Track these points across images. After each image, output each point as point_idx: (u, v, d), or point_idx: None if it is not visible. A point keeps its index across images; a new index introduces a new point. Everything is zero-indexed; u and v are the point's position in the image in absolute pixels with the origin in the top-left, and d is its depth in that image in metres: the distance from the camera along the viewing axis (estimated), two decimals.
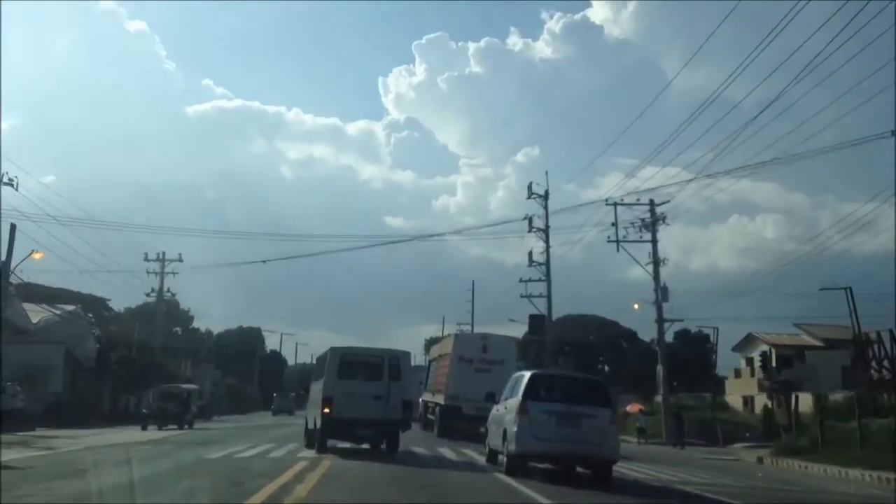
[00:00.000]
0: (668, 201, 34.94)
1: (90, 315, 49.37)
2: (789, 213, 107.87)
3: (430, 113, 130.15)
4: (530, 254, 39.88)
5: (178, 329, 56.82)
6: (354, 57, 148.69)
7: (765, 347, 47.78)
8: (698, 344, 66.70)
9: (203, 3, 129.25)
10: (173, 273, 48.78)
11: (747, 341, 51.27)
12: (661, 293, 35.54)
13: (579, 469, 13.51)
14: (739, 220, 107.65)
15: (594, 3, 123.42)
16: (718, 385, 56.33)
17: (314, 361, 27.68)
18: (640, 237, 35.50)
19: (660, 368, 35.36)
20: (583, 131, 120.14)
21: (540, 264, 39.22)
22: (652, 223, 35.28)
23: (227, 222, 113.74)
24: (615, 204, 35.11)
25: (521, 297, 39.80)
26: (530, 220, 39.45)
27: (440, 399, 26.79)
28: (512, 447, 12.94)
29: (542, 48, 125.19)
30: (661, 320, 35.97)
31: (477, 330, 53.49)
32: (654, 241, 35.80)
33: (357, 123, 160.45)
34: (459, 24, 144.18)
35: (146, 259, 48.98)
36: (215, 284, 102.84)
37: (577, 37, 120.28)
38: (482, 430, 18.53)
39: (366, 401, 16.55)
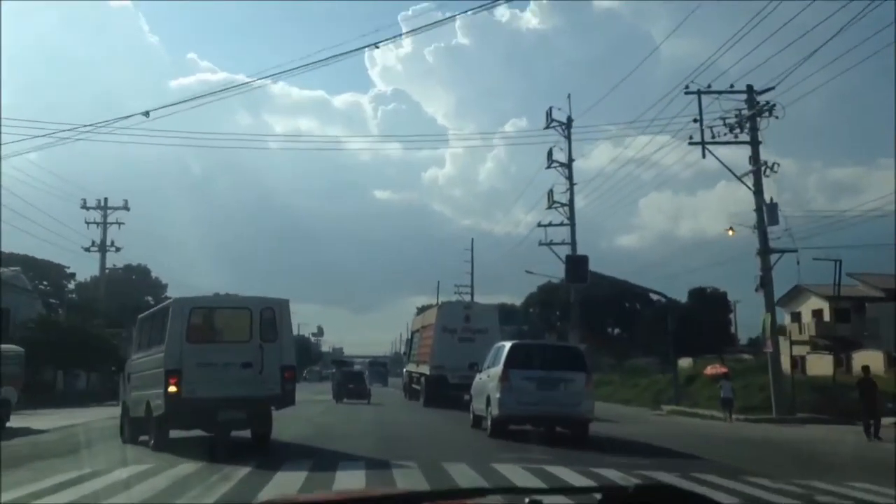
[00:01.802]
0: (772, 87, 24.26)
1: (45, 283, 43.59)
2: None
3: (417, 85, 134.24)
4: (550, 193, 36.43)
5: (149, 298, 51.37)
6: (341, 29, 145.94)
7: (815, 300, 41.59)
8: (714, 304, 60.46)
9: None
10: (118, 223, 42.05)
11: (794, 294, 45.46)
12: (769, 213, 24.37)
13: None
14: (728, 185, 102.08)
15: None
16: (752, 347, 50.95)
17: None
18: (736, 136, 24.80)
19: (766, 317, 25.49)
20: (571, 102, 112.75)
21: (562, 205, 33.58)
22: (751, 117, 24.39)
23: (213, 197, 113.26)
24: (698, 92, 24.77)
25: (541, 244, 36.75)
26: (550, 152, 36.37)
27: (425, 369, 27.81)
28: (495, 412, 14.61)
29: (530, 18, 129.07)
30: (766, 251, 24.94)
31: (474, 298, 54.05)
32: (755, 141, 24.70)
33: (343, 96, 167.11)
34: None
35: (84, 206, 41.84)
36: (200, 256, 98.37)
37: (564, 7, 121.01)
38: (467, 397, 19.65)
39: (230, 371, 12.62)
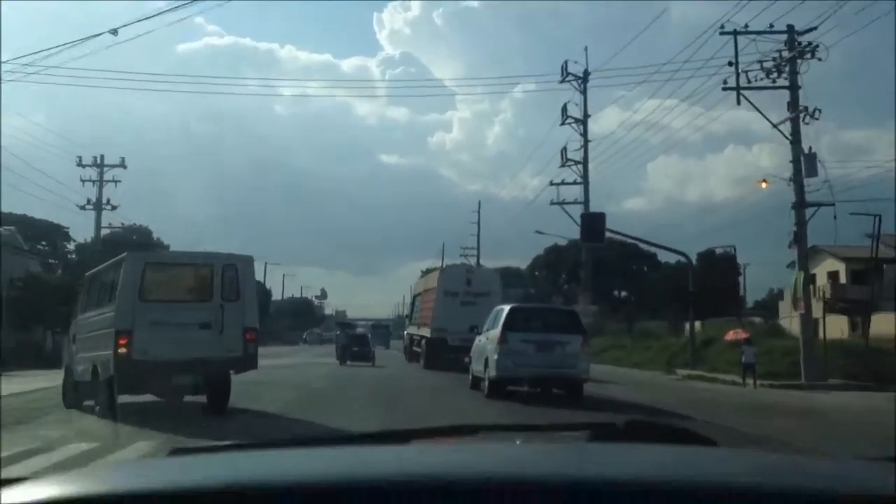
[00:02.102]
0: (814, 28, 21.81)
1: (44, 243, 42.58)
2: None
3: (426, 49, 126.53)
4: (563, 151, 35.61)
5: None
6: None
7: (832, 262, 40.24)
8: (721, 266, 59.29)
9: None
10: (114, 181, 40.75)
11: (809, 255, 43.83)
12: (807, 164, 22.00)
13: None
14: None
15: None
16: (769, 310, 49.76)
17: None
18: (774, 81, 22.32)
19: (799, 276, 23.38)
20: (580, 65, 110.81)
21: (576, 162, 32.52)
22: (791, 59, 21.95)
23: (218, 159, 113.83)
24: (734, 32, 22.37)
25: (552, 204, 36.36)
26: (564, 107, 35.34)
27: (426, 332, 27.94)
28: (493, 373, 15.03)
29: None
30: (802, 204, 22.52)
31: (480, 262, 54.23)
32: (795, 86, 22.25)
33: (351, 60, 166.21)
34: None
35: (80, 164, 40.35)
36: (204, 217, 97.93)
37: None
38: (466, 359, 19.90)
39: (187, 332, 11.76)
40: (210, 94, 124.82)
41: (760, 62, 21.99)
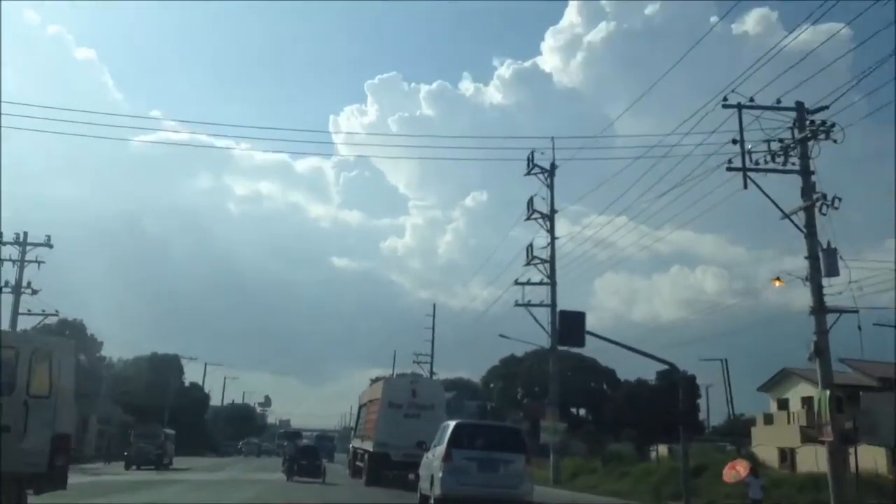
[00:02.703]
0: (826, 107, 19.26)
1: None
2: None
3: (380, 153, 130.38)
4: (529, 248, 33.76)
5: (83, 357, 45.79)
6: (306, 94, 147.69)
7: (804, 387, 38.39)
8: (683, 388, 56.93)
9: (155, 32, 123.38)
10: (38, 262, 36.31)
11: (780, 378, 42.39)
12: (827, 262, 19.16)
13: None
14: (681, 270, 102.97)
15: (544, 52, 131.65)
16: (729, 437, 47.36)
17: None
18: (784, 164, 19.77)
19: (823, 395, 19.38)
20: (531, 177, 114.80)
21: (543, 261, 30.46)
22: (801, 140, 19.60)
23: (167, 256, 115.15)
24: (739, 106, 19.87)
25: (517, 305, 34.10)
26: (531, 201, 33.74)
27: (369, 446, 26.89)
28: (437, 491, 14.96)
29: (493, 93, 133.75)
30: (822, 308, 19.31)
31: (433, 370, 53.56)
32: (807, 170, 19.72)
33: (307, 161, 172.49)
34: (413, 65, 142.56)
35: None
36: (142, 315, 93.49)
37: (526, 83, 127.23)
38: (411, 476, 20.55)
39: None
40: (162, 188, 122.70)
41: (767, 141, 19.49)
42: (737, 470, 22.39)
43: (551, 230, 33.18)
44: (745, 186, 19.99)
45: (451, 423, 16.30)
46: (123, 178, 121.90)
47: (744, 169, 19.82)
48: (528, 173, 33.64)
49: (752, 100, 19.85)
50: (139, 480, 24.88)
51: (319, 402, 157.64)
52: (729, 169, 20.19)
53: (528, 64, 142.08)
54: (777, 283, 21.69)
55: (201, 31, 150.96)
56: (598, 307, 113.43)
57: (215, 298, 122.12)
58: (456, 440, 15.19)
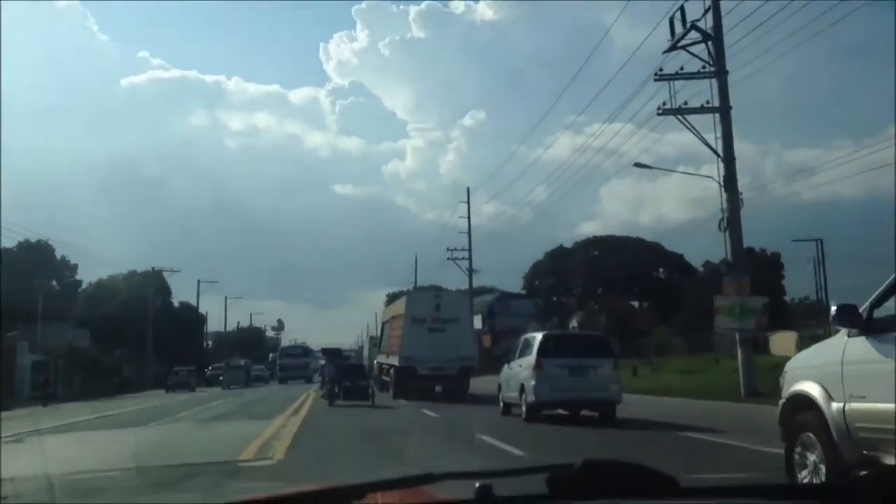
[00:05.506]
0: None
1: None
2: None
3: (375, 79, 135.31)
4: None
5: (54, 282, 40.22)
6: (295, 23, 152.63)
7: None
8: (763, 266, 48.62)
9: None
10: None
11: None
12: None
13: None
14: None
15: None
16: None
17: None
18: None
19: None
20: (529, 92, 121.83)
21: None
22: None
23: (169, 196, 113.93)
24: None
25: (660, 114, 25.65)
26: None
27: (395, 361, 27.62)
28: (531, 398, 15.94)
29: (484, 10, 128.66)
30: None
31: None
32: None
33: (300, 91, 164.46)
34: None
35: None
36: (163, 253, 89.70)
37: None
38: (438, 388, 24.97)
39: None
40: (157, 129, 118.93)
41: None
42: None
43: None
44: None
45: (538, 335, 17.48)
46: (117, 120, 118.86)
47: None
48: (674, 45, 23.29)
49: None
50: None
51: (333, 325, 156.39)
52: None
53: None
54: None
55: None
56: (604, 214, 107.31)
57: (222, 238, 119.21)
58: (544, 350, 16.17)
